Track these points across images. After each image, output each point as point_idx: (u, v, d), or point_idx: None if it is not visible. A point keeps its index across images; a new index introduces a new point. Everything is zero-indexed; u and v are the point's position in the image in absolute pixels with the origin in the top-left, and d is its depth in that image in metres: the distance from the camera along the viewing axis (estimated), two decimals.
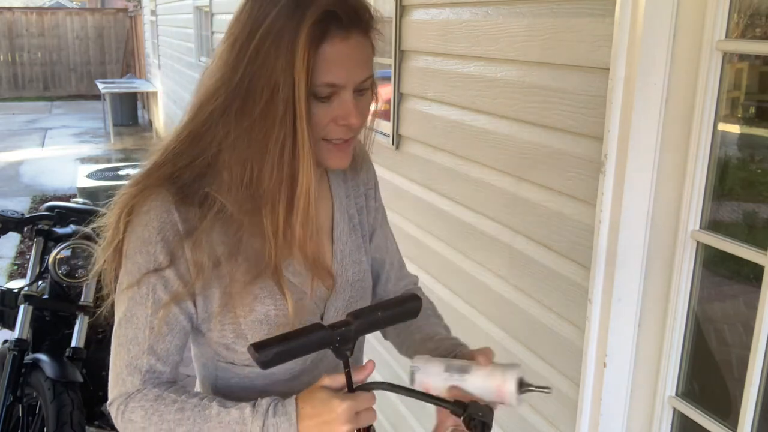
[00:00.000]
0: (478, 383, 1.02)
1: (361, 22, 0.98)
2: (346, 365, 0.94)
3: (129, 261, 1.02)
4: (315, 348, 0.94)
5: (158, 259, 1.00)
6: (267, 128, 0.96)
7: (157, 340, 1.01)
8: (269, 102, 0.94)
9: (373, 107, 1.09)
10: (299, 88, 0.93)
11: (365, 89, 1.02)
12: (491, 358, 1.07)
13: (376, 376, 2.73)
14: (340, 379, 0.95)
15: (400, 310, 1.00)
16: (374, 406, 0.96)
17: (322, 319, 1.11)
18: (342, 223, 1.17)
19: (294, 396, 0.96)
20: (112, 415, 1.04)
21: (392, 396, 2.71)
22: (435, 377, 1.04)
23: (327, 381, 0.95)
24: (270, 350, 0.90)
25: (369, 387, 0.96)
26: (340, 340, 0.94)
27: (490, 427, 0.96)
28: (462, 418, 0.97)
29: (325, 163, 1.03)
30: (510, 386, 1.00)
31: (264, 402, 0.96)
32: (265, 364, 0.90)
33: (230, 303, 1.03)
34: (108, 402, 1.04)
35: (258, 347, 0.90)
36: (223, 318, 1.04)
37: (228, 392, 1.11)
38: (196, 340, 1.11)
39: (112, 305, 1.06)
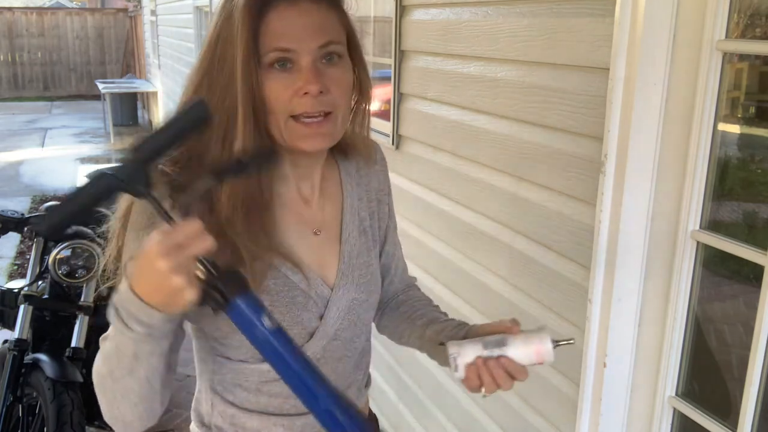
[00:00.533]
0: (518, 351, 1.05)
1: None
2: (154, 201, 0.84)
3: (124, 255, 1.02)
4: (101, 196, 0.83)
5: None
6: (224, 103, 0.97)
7: None
8: (223, 76, 0.97)
9: (375, 105, 1.08)
10: (239, 57, 0.94)
11: (334, 56, 1.00)
12: (520, 325, 1.09)
13: (376, 377, 2.73)
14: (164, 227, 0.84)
15: (189, 118, 0.88)
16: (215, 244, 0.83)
17: (321, 319, 1.10)
18: (351, 225, 1.16)
19: None
20: None
21: (392, 396, 2.71)
22: (476, 358, 1.05)
23: (151, 233, 0.85)
24: (46, 215, 0.82)
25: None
26: (127, 177, 0.82)
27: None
28: None
29: (297, 144, 1.00)
30: (548, 345, 1.06)
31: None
32: (45, 230, 0.84)
33: None
34: None
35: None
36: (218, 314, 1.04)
37: (223, 387, 1.11)
38: (194, 333, 1.11)
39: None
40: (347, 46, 1.04)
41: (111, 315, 0.89)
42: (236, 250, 0.99)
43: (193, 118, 0.88)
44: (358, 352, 1.19)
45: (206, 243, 0.82)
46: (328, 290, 1.11)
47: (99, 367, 0.95)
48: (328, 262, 1.12)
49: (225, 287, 0.84)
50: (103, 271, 1.07)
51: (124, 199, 1.03)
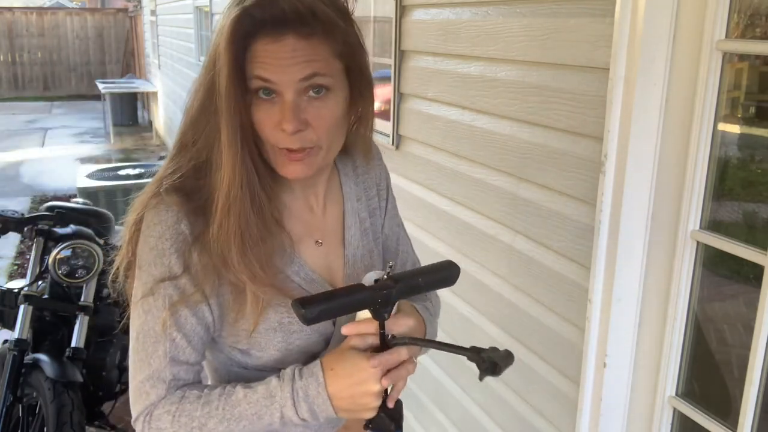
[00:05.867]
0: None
1: (291, 25, 0.93)
2: (382, 326, 0.96)
3: (144, 273, 1.00)
4: (357, 307, 0.97)
5: (173, 269, 0.98)
6: (217, 125, 0.97)
7: (177, 351, 0.99)
8: (212, 100, 0.96)
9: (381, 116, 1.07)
10: (221, 82, 0.93)
11: (321, 88, 0.96)
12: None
13: None
14: (368, 339, 0.97)
15: (440, 276, 1.02)
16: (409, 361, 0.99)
17: (334, 324, 1.10)
18: (353, 227, 1.16)
19: (318, 359, 0.99)
20: (138, 431, 1.01)
21: None
22: None
23: (355, 341, 0.97)
24: (315, 307, 0.92)
25: (394, 342, 0.98)
26: (381, 302, 0.95)
27: (500, 368, 0.95)
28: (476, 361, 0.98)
29: (280, 171, 1.00)
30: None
31: (288, 370, 0.99)
32: (308, 321, 0.92)
33: (243, 309, 1.01)
34: (132, 419, 1.02)
35: (303, 303, 0.92)
36: (237, 323, 1.03)
37: None
38: (209, 345, 1.10)
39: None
40: (346, 73, 1.01)
41: (280, 385, 0.98)
42: (236, 283, 1.01)
43: (446, 278, 1.02)
44: None
45: (410, 370, 0.96)
46: None
47: (193, 423, 0.99)
48: (334, 267, 1.13)
49: (391, 417, 0.99)
50: (109, 273, 1.07)
51: (134, 209, 1.03)
